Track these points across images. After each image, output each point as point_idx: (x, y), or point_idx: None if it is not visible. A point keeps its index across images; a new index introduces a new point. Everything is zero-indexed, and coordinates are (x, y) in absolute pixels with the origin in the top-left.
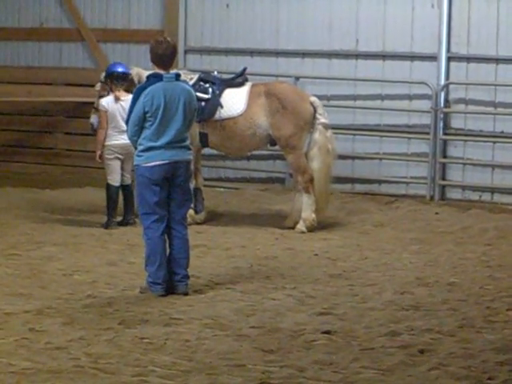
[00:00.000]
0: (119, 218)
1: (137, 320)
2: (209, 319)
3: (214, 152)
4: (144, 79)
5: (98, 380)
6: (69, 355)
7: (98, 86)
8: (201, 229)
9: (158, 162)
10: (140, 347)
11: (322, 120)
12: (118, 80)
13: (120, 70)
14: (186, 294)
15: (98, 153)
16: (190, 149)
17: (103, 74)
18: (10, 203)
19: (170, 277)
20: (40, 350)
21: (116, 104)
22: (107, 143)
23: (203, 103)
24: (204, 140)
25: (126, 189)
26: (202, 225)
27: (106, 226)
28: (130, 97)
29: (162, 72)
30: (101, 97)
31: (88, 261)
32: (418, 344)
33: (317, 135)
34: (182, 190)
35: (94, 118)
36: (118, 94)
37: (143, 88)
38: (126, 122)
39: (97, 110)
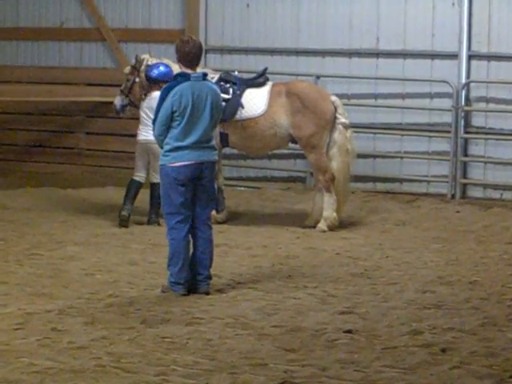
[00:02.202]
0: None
1: (159, 319)
2: (231, 318)
3: (235, 151)
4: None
5: (120, 379)
6: (91, 355)
7: (128, 70)
8: (222, 228)
9: (184, 163)
10: (162, 346)
11: (342, 120)
12: (158, 83)
13: (165, 72)
14: (207, 293)
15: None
16: (215, 149)
17: (134, 59)
18: (31, 203)
19: (193, 276)
20: (62, 350)
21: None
22: (137, 139)
23: (224, 103)
24: (225, 140)
25: (152, 187)
26: (224, 224)
27: (119, 213)
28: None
29: (188, 71)
30: (128, 80)
31: (110, 260)
32: (440, 343)
33: (336, 135)
34: (207, 190)
35: (117, 100)
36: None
37: (171, 87)
38: (153, 121)
39: (122, 92)
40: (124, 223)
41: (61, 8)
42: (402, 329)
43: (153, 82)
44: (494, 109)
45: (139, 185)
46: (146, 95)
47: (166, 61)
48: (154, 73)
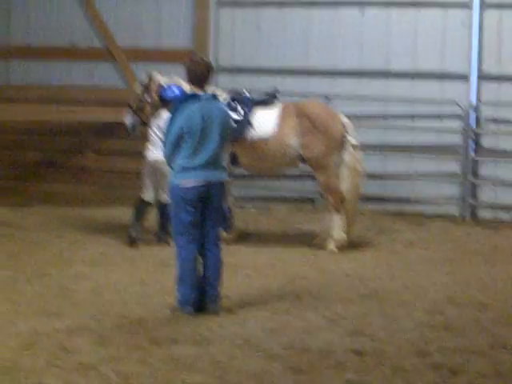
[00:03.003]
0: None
1: (168, 339)
2: (240, 339)
3: (244, 171)
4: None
5: None
6: (99, 374)
7: (139, 89)
8: (231, 248)
9: (193, 183)
10: (171, 366)
11: (352, 141)
12: (169, 104)
13: (178, 95)
14: (216, 313)
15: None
16: (225, 169)
17: (146, 78)
18: (40, 222)
19: (202, 296)
20: (71, 369)
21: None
22: (146, 158)
23: (234, 123)
24: (234, 160)
25: (161, 207)
26: (233, 244)
27: (128, 233)
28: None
29: (198, 91)
30: (139, 100)
31: (119, 280)
32: (449, 364)
33: (346, 156)
34: (217, 210)
35: (128, 119)
36: None
37: (181, 108)
38: (163, 141)
39: (133, 111)
40: (133, 243)
41: (71, 28)
42: (410, 350)
43: (166, 103)
44: (504, 130)
45: (148, 204)
46: (156, 114)
47: (176, 79)
48: (169, 94)
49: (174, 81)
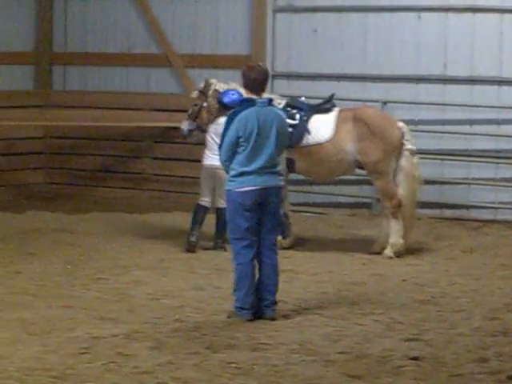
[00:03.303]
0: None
1: (224, 344)
2: (296, 344)
3: (301, 177)
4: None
5: None
6: (156, 379)
7: (195, 94)
8: (288, 254)
9: (249, 188)
10: (227, 372)
11: (409, 146)
12: (227, 109)
13: (237, 99)
14: (273, 319)
15: None
16: (281, 174)
17: (203, 84)
18: (97, 228)
19: (258, 302)
20: (128, 374)
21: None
22: (203, 163)
23: (290, 129)
24: (291, 166)
25: (218, 212)
26: (289, 250)
27: (187, 238)
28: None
29: (254, 97)
30: (195, 105)
31: (175, 285)
32: (507, 370)
33: (403, 161)
34: (273, 215)
35: (185, 125)
36: None
37: (237, 113)
38: (219, 147)
39: (190, 117)
40: (192, 248)
41: (129, 33)
42: (468, 356)
43: (225, 108)
44: None
45: (205, 210)
46: (213, 120)
47: (233, 85)
48: (228, 98)
49: (232, 87)
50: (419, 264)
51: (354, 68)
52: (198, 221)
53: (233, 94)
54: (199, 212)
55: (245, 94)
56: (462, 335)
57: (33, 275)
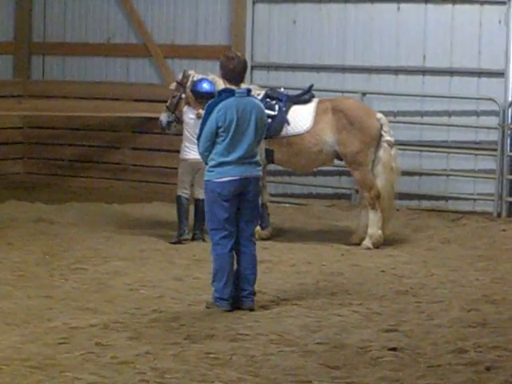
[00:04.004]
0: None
1: (203, 335)
2: (275, 335)
3: (280, 168)
4: (219, 88)
5: None
6: (135, 370)
7: (173, 86)
8: (266, 245)
9: (229, 178)
10: (206, 362)
11: (387, 138)
12: (202, 98)
13: (208, 90)
14: (252, 309)
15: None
16: (260, 165)
17: (181, 75)
18: (77, 218)
19: (237, 293)
20: (106, 365)
21: (196, 119)
22: (184, 157)
23: (270, 120)
24: (270, 156)
25: (197, 203)
26: (268, 240)
27: (179, 237)
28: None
29: (233, 87)
30: (173, 97)
31: (154, 275)
32: (485, 361)
33: (381, 153)
34: (252, 206)
35: (163, 117)
36: (200, 112)
37: (215, 103)
38: (198, 137)
39: (168, 109)
40: (183, 240)
41: (107, 24)
42: (446, 347)
43: (196, 98)
44: None
45: (188, 201)
46: (190, 112)
47: (211, 76)
48: (199, 88)
49: (209, 77)
50: (398, 255)
51: (333, 59)
52: (184, 215)
53: (205, 84)
54: (183, 204)
55: (223, 84)
56: (440, 326)
57: (11, 265)
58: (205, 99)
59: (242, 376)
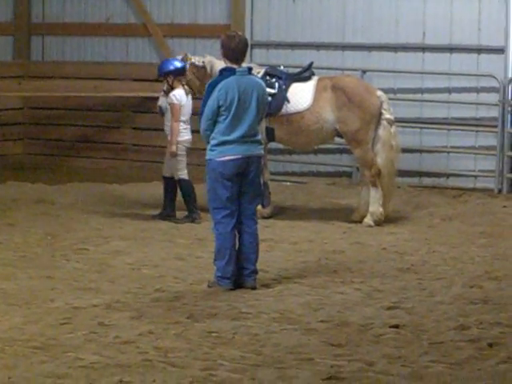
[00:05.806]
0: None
1: (205, 314)
2: (277, 313)
3: (281, 146)
4: (216, 69)
5: (166, 374)
6: (137, 349)
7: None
8: (268, 223)
9: (231, 157)
10: (208, 341)
11: (387, 115)
12: (178, 75)
13: (179, 65)
14: (254, 288)
15: (174, 147)
16: (261, 143)
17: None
18: (77, 198)
19: (239, 271)
20: (109, 344)
21: (188, 99)
22: (179, 139)
23: (270, 98)
24: (270, 134)
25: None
26: (269, 219)
27: (193, 219)
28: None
29: (234, 66)
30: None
31: (156, 255)
32: (487, 338)
33: (381, 131)
34: (254, 184)
35: (162, 101)
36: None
37: (216, 82)
38: (200, 116)
39: (166, 93)
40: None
41: (106, 3)
42: (448, 324)
43: (161, 76)
44: None
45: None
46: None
47: (209, 58)
48: (166, 67)
49: (207, 60)
50: (399, 232)
51: (333, 37)
52: (192, 198)
53: (174, 62)
54: (189, 187)
55: (224, 63)
56: (442, 303)
57: (13, 246)
58: (181, 76)
59: (244, 354)
